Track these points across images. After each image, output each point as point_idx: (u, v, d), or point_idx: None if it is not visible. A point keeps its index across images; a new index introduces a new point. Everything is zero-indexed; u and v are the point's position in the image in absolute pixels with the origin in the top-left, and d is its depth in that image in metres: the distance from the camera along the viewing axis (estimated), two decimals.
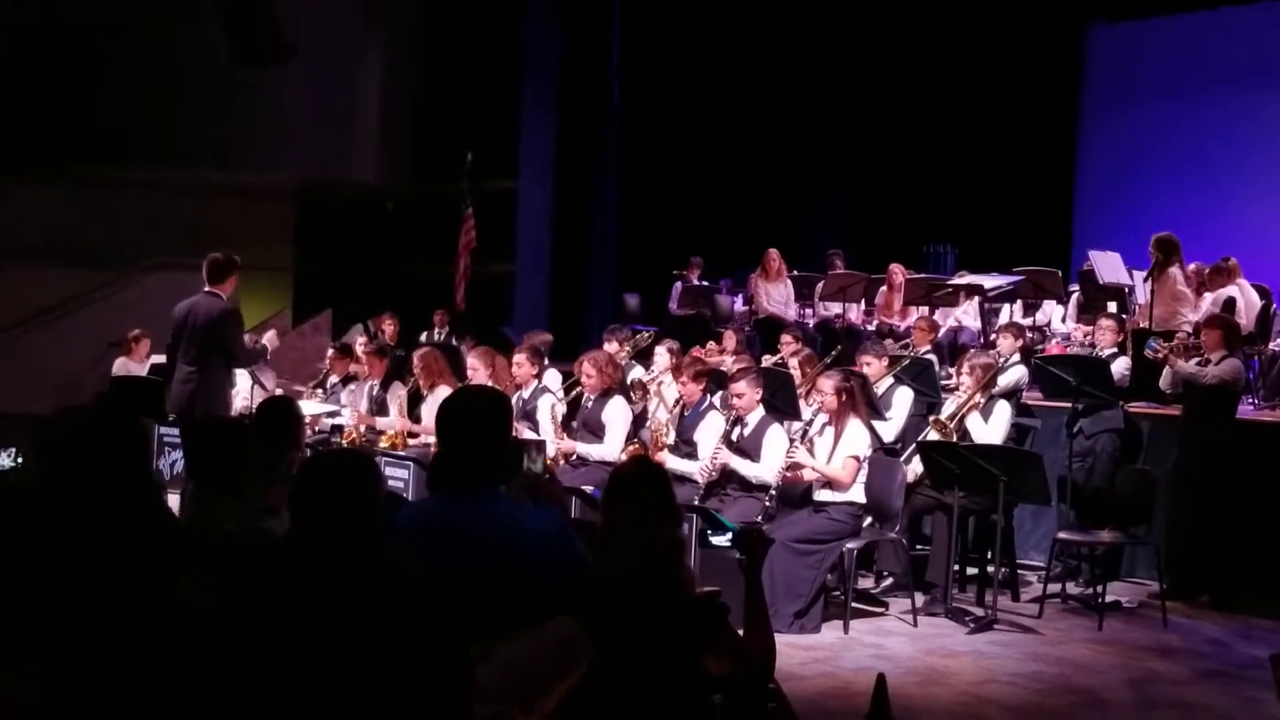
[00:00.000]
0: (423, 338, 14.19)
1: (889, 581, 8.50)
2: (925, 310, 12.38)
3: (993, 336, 10.87)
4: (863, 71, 17.02)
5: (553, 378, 10.34)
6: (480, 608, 3.63)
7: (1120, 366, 9.33)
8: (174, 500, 8.78)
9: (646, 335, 11.32)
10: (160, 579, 3.33)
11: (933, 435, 8.33)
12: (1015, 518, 8.82)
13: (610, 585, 4.04)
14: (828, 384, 7.82)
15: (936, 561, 8.14)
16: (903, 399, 9.23)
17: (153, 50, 15.29)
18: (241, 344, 9.07)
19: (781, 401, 8.53)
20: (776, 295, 13.88)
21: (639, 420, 9.31)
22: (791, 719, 4.47)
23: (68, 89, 15.24)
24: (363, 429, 10.13)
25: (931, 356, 10.38)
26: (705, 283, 15.40)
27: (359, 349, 11.36)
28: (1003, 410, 8.57)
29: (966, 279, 12.52)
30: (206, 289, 8.99)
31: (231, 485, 4.69)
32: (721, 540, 4.77)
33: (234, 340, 8.93)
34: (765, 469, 7.76)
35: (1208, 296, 11.16)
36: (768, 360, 10.99)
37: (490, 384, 9.43)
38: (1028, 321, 12.43)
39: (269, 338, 10.58)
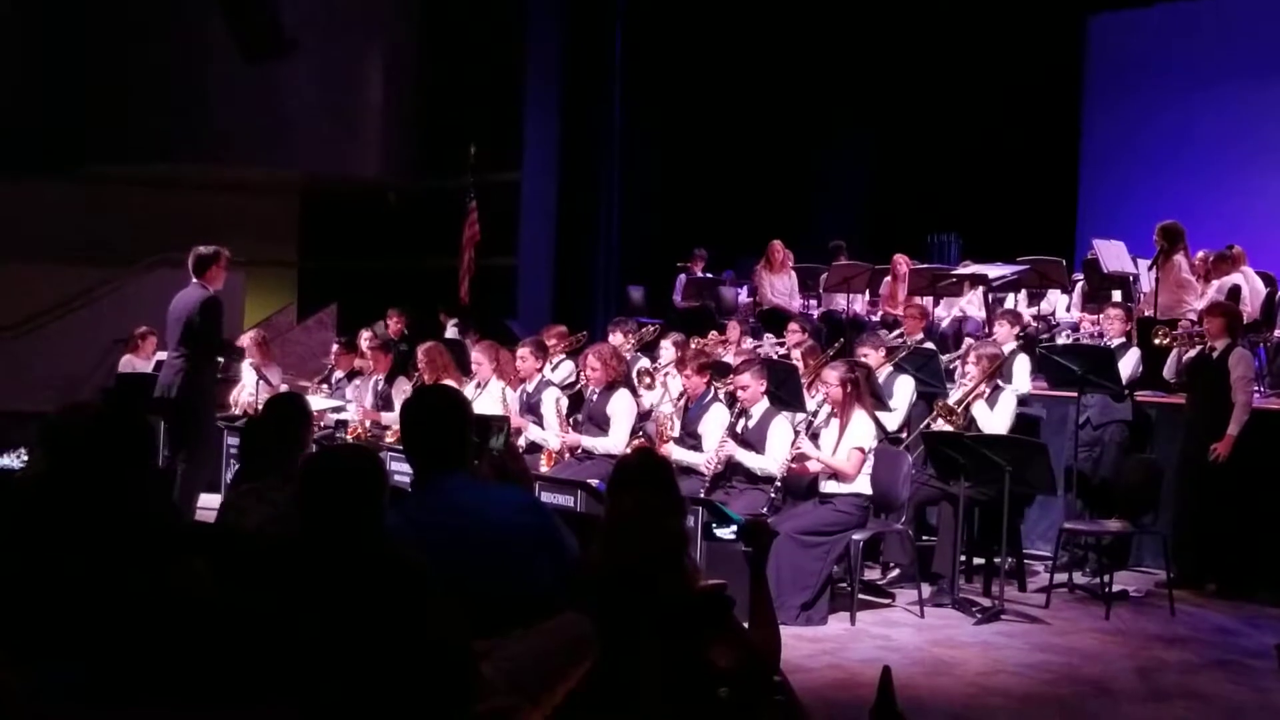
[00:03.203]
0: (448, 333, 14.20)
1: (895, 573, 8.50)
2: (929, 300, 12.36)
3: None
4: (866, 62, 16.99)
5: (568, 369, 10.37)
6: (479, 600, 3.65)
7: (1131, 360, 9.30)
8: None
9: (652, 329, 11.33)
10: (164, 573, 3.34)
11: (940, 422, 8.31)
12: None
13: (613, 575, 4.05)
14: (832, 375, 7.80)
15: (943, 552, 8.13)
16: (904, 388, 9.22)
17: (155, 46, 15.27)
18: (217, 333, 9.07)
19: (786, 393, 8.53)
20: (780, 286, 13.88)
21: (644, 413, 9.32)
22: (798, 711, 4.47)
23: (70, 86, 15.24)
24: (368, 424, 10.14)
25: (930, 345, 10.37)
26: (709, 274, 15.39)
27: (364, 344, 11.38)
28: (1008, 399, 8.56)
29: (970, 269, 12.50)
30: (193, 281, 9.03)
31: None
32: (726, 533, 4.78)
33: (209, 329, 8.93)
34: (770, 461, 7.76)
35: (1213, 284, 11.14)
36: (769, 340, 11.02)
37: (494, 378, 9.46)
38: (1032, 311, 12.40)
39: (247, 339, 10.56)
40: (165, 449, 9.15)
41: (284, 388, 10.36)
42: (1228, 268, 11.36)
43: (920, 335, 10.57)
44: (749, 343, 11.86)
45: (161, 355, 12.51)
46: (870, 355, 9.12)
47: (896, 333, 10.98)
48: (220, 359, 9.56)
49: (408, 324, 13.88)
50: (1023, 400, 9.14)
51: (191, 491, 8.73)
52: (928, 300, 12.30)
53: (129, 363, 12.87)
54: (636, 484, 4.27)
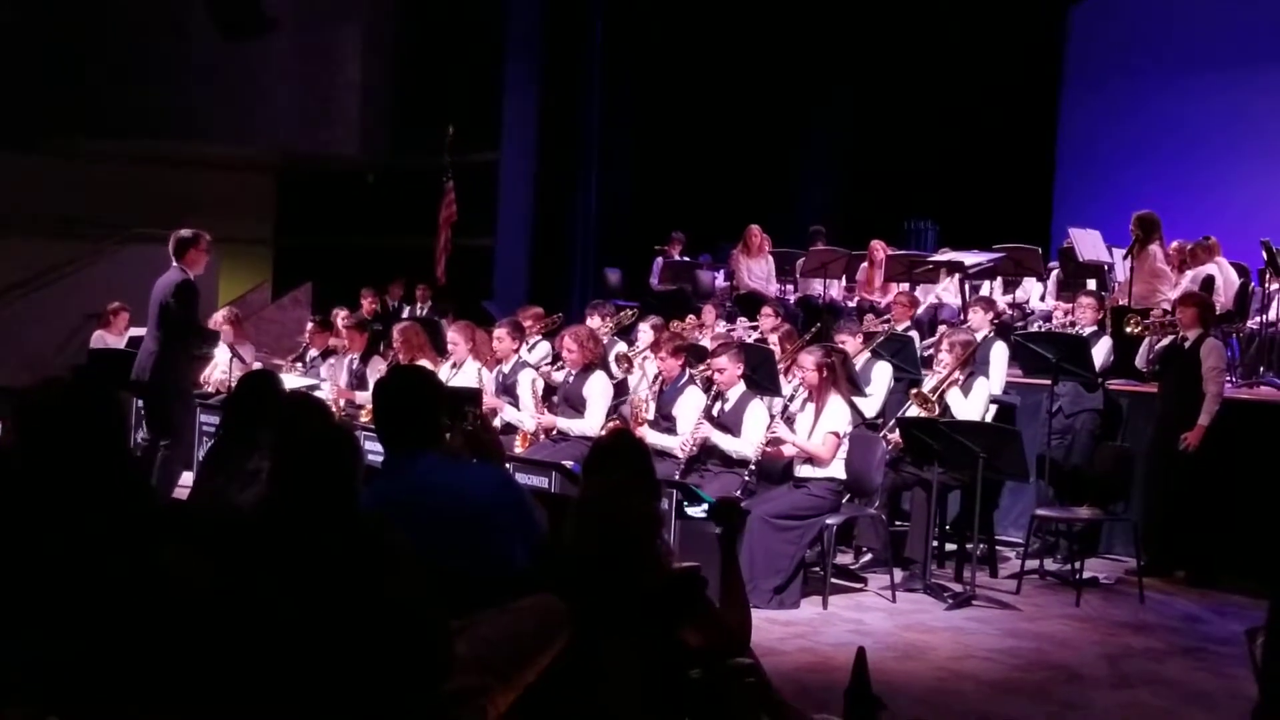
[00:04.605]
0: (405, 313, 14.21)
1: (868, 557, 8.53)
2: (905, 286, 12.40)
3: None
4: (845, 48, 17.00)
5: (544, 350, 10.36)
6: (452, 579, 3.66)
7: (1103, 348, 9.34)
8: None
9: (629, 312, 11.33)
10: (138, 551, 3.32)
11: (914, 409, 8.34)
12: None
13: (585, 556, 4.05)
14: (809, 359, 7.81)
15: (915, 537, 8.17)
16: (881, 374, 9.24)
17: (133, 21, 15.17)
18: (190, 318, 8.97)
19: (762, 377, 8.54)
20: (757, 271, 13.89)
21: (619, 394, 9.32)
22: (770, 694, 4.48)
23: (46, 60, 15.12)
24: (342, 403, 10.11)
25: (913, 333, 10.40)
26: (686, 258, 15.39)
27: (339, 323, 11.34)
28: (982, 387, 8.58)
29: (947, 256, 12.53)
30: (173, 264, 8.96)
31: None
32: (697, 511, 4.80)
33: (183, 314, 8.85)
34: (746, 444, 7.77)
35: (1187, 274, 11.18)
36: (742, 324, 10.99)
37: (470, 359, 9.45)
38: (1007, 298, 12.44)
39: (218, 320, 10.43)
40: (144, 430, 9.11)
41: (257, 366, 10.32)
42: (1204, 257, 11.41)
43: (908, 323, 10.61)
44: (722, 326, 11.88)
45: (135, 331, 12.53)
46: (848, 341, 9.14)
47: (884, 319, 11.01)
48: (197, 344, 9.45)
49: (381, 304, 13.87)
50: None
51: (171, 472, 8.71)
52: (904, 286, 12.32)
53: (101, 338, 12.81)
54: (611, 465, 4.27)
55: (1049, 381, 8.81)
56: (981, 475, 7.62)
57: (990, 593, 7.95)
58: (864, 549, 8.61)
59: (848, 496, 7.83)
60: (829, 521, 7.56)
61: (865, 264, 13.53)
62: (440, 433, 4.35)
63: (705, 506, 4.73)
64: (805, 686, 5.84)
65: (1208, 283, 10.89)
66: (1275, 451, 8.52)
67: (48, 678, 3.16)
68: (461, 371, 9.34)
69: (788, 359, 9.10)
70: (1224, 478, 8.47)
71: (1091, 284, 11.42)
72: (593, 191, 16.51)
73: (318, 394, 10.37)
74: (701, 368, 8.56)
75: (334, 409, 10.00)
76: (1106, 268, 11.73)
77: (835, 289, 13.66)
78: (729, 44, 16.80)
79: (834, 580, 7.74)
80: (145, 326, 11.89)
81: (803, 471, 7.67)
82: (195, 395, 10.06)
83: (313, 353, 11.38)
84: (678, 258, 15.29)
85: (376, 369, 10.12)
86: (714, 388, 8.09)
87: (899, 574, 7.99)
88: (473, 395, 8.23)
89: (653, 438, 7.97)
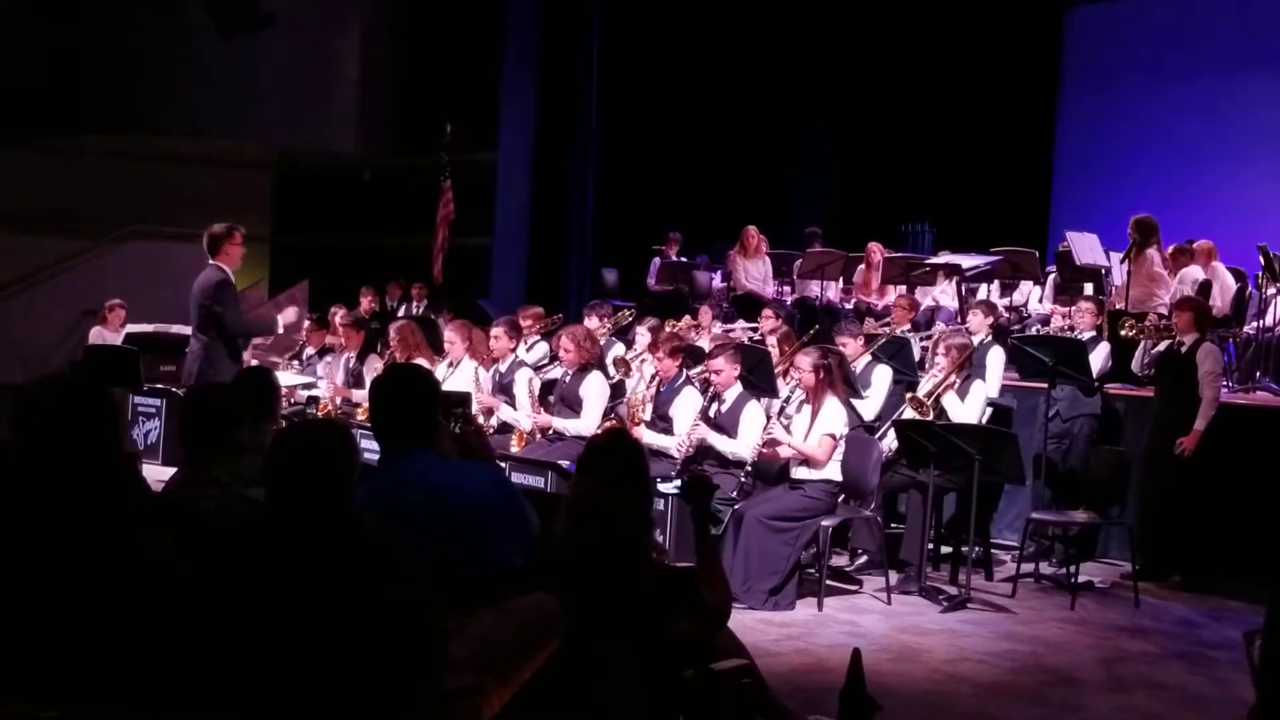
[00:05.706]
0: (402, 312, 14.21)
1: (863, 559, 8.51)
2: (903, 289, 12.40)
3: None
4: (843, 49, 17.02)
5: (543, 350, 10.36)
6: (448, 577, 3.65)
7: (1102, 353, 9.34)
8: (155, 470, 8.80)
9: (628, 313, 11.32)
10: (130, 546, 3.32)
11: (909, 413, 8.33)
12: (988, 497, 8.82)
13: (574, 553, 4.06)
14: (805, 361, 7.80)
15: (911, 540, 8.15)
16: (881, 377, 9.23)
17: (129, 18, 15.15)
18: (233, 313, 8.92)
19: (759, 378, 8.53)
20: (754, 272, 13.89)
21: (616, 395, 9.32)
22: (765, 695, 4.49)
23: (42, 54, 15.10)
24: (339, 401, 10.11)
25: (911, 335, 10.40)
26: (683, 258, 15.39)
27: (336, 321, 11.34)
28: (978, 390, 8.58)
29: (945, 258, 12.54)
30: (209, 262, 8.90)
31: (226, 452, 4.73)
32: (670, 487, 4.86)
33: (224, 310, 8.81)
34: (742, 445, 7.76)
35: (1176, 277, 11.18)
36: (740, 325, 10.97)
37: (467, 358, 9.44)
38: (1004, 301, 12.45)
39: (289, 314, 10.19)
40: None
41: (254, 363, 10.30)
42: (1186, 260, 11.42)
43: (907, 325, 10.61)
44: (719, 327, 11.88)
45: (133, 327, 12.57)
46: (848, 344, 9.13)
47: (884, 321, 11.00)
48: (243, 339, 9.32)
49: (380, 303, 13.87)
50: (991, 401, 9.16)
51: None
52: (901, 288, 12.32)
53: (99, 334, 12.81)
54: (605, 464, 4.27)
55: (1045, 385, 8.81)
56: (978, 478, 7.61)
57: (985, 596, 7.94)
58: (859, 551, 8.60)
59: (843, 498, 7.82)
60: (824, 523, 7.54)
61: (862, 266, 13.53)
62: (436, 431, 4.34)
63: (677, 484, 4.78)
64: (800, 688, 5.84)
65: (1204, 287, 10.89)
66: (1271, 456, 8.53)
67: (46, 675, 3.16)
68: (458, 371, 9.33)
69: (786, 361, 9.09)
70: (1220, 482, 8.47)
71: (1089, 288, 11.43)
72: (590, 191, 16.52)
73: (314, 392, 10.43)
74: (698, 369, 8.56)
75: (331, 406, 10.03)
76: (1104, 271, 11.74)
77: (832, 291, 13.66)
78: (727, 45, 16.81)
79: (829, 582, 7.73)
80: (141, 323, 11.88)
81: (799, 473, 7.66)
82: None
83: (309, 351, 11.39)
84: (675, 258, 15.29)
85: (373, 367, 10.11)
86: (711, 389, 8.08)
87: (894, 576, 7.97)
88: (461, 399, 8.22)
89: (649, 438, 7.97)
